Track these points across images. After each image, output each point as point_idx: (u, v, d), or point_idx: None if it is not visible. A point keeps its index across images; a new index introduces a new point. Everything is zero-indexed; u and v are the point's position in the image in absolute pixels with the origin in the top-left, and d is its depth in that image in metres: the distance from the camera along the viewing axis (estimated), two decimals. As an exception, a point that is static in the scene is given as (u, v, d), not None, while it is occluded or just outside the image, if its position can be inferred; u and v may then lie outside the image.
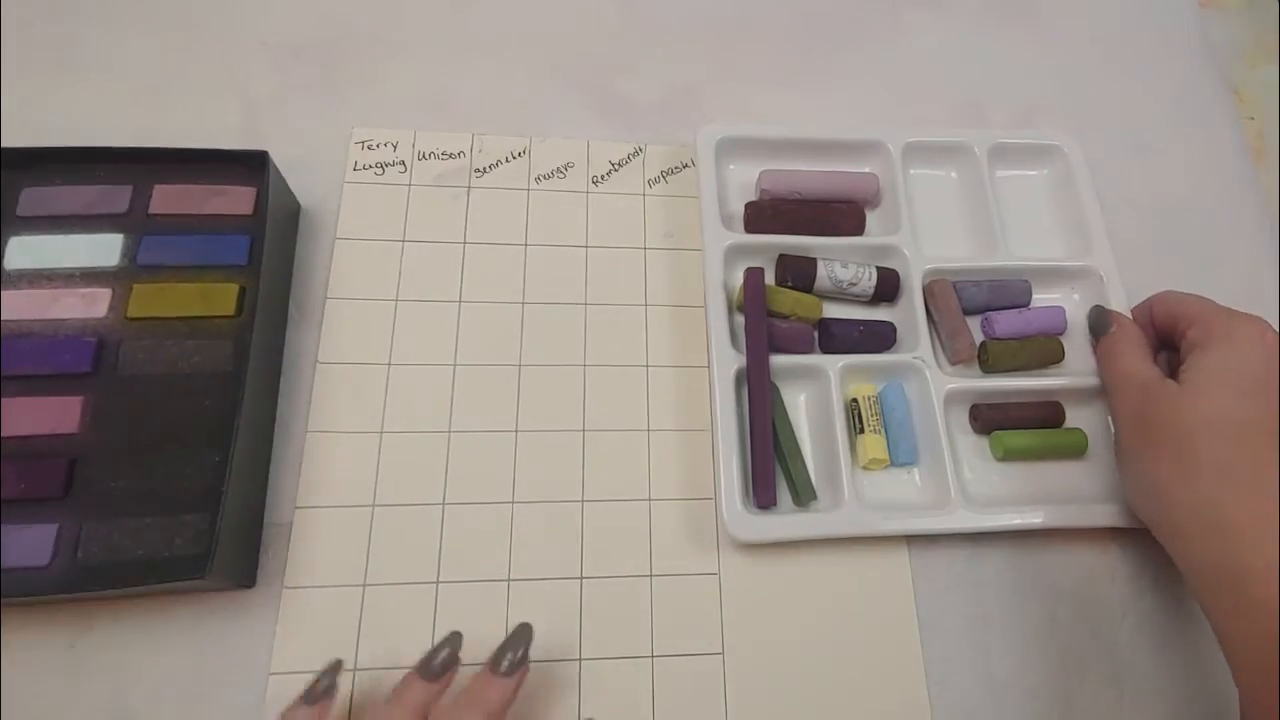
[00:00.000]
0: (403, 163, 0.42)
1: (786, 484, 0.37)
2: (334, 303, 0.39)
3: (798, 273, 0.40)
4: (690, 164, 0.44)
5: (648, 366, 0.39)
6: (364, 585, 0.34)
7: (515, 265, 0.41)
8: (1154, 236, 0.45)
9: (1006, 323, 0.41)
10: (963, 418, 0.40)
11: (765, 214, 0.42)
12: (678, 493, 0.37)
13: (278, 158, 0.38)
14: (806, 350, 0.39)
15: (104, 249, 0.36)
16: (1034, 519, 0.36)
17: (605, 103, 0.46)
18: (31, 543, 0.31)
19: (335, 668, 0.31)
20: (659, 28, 0.48)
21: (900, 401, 0.39)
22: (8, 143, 0.37)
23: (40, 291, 0.35)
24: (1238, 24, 0.54)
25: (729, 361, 0.38)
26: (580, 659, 0.34)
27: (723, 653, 0.34)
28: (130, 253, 0.36)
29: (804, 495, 0.37)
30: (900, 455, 0.38)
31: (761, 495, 0.36)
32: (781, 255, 0.41)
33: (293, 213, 0.40)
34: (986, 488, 0.38)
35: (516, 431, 0.37)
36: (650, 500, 0.37)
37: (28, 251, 0.36)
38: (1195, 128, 0.49)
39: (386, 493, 0.36)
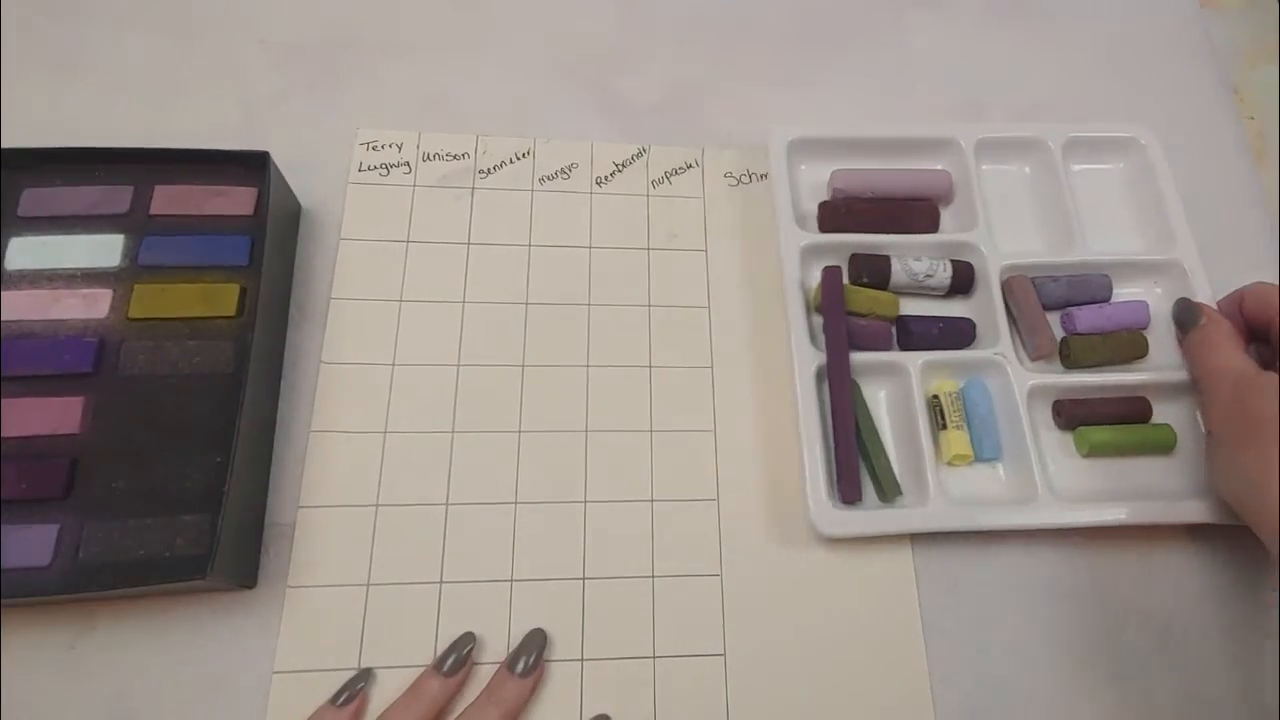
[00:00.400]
0: (407, 164, 0.42)
1: (870, 480, 0.37)
2: (338, 303, 0.39)
3: (872, 269, 0.40)
4: (694, 164, 0.44)
5: (650, 367, 0.39)
6: (367, 585, 0.34)
7: (519, 266, 0.41)
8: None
9: (1088, 318, 0.40)
10: (1045, 414, 0.40)
11: (839, 213, 0.42)
12: (680, 494, 0.37)
13: (278, 158, 0.37)
14: (885, 348, 0.39)
15: (105, 249, 0.36)
16: (1120, 515, 0.36)
17: (608, 104, 0.46)
18: (32, 543, 0.31)
19: (364, 675, 0.32)
20: (660, 28, 0.48)
21: (983, 397, 0.39)
22: (8, 143, 0.37)
23: (41, 292, 0.35)
24: (1238, 24, 0.54)
25: (809, 359, 0.38)
26: (582, 659, 0.34)
27: (724, 653, 0.34)
28: (131, 253, 0.36)
29: (889, 491, 0.36)
30: (984, 451, 0.38)
31: (847, 491, 0.36)
32: (854, 254, 0.41)
33: (294, 213, 0.40)
34: (1071, 483, 0.38)
35: (520, 432, 0.37)
36: (653, 501, 0.37)
37: (29, 252, 0.36)
38: (1195, 128, 0.49)
39: (390, 493, 0.36)
